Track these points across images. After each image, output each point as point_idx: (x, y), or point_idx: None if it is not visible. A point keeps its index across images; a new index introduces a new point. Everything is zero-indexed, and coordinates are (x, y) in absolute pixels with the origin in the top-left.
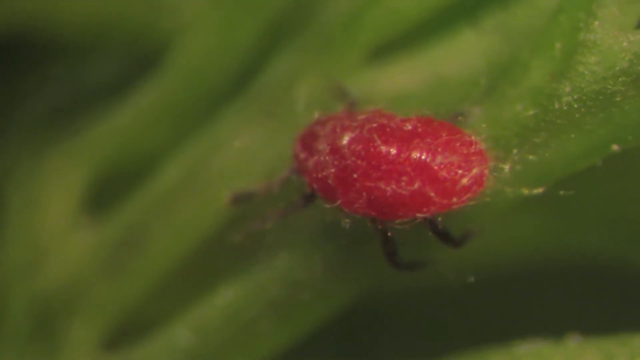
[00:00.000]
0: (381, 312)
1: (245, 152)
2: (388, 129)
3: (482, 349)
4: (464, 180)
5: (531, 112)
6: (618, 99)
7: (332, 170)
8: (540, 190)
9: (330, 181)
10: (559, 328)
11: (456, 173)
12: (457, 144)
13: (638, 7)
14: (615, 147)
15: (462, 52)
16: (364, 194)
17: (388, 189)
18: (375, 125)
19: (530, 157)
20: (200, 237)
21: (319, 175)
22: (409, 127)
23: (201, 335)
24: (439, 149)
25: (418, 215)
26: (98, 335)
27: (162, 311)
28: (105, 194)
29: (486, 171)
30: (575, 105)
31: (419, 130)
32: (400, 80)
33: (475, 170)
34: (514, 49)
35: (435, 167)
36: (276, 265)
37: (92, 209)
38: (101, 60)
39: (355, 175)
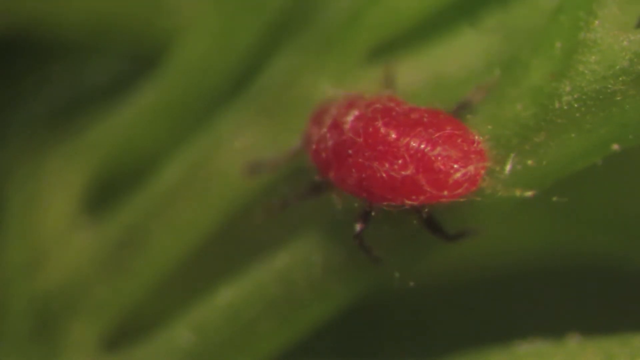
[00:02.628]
0: (381, 312)
1: (245, 152)
2: (393, 113)
3: (483, 349)
4: (457, 175)
5: (531, 112)
6: (618, 98)
7: (330, 142)
8: (531, 193)
9: (324, 154)
10: (559, 327)
11: (451, 167)
12: (459, 140)
13: (638, 6)
14: (615, 147)
15: (462, 52)
16: (354, 170)
17: (381, 169)
18: (380, 106)
19: (531, 156)
20: (200, 237)
21: (318, 147)
22: (415, 116)
23: (201, 335)
24: (440, 141)
25: (406, 202)
26: (98, 336)
27: (162, 311)
28: (105, 194)
29: (482, 171)
30: (576, 105)
31: (424, 119)
32: (401, 79)
33: (470, 168)
34: (514, 49)
35: (432, 157)
36: (276, 265)
37: (92, 209)
38: (101, 60)
39: (350, 151)
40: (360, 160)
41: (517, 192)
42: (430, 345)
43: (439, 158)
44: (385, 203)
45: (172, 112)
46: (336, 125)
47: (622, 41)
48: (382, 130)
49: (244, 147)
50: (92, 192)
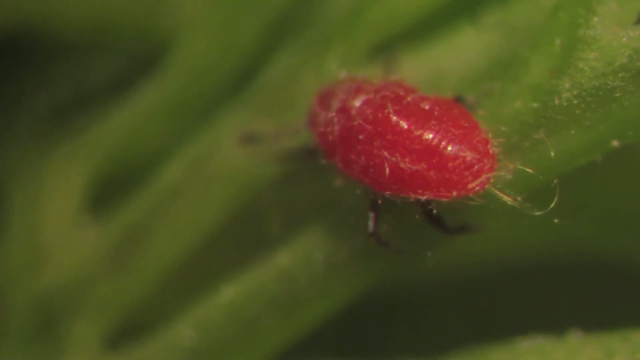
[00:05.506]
0: (382, 309)
1: (246, 150)
2: (404, 101)
3: (484, 346)
4: (471, 182)
5: (531, 109)
6: (618, 94)
7: (338, 127)
8: (541, 211)
9: (331, 137)
10: (560, 324)
11: (466, 169)
12: (474, 140)
13: (637, 3)
14: (615, 143)
15: (462, 49)
16: (363, 157)
17: (391, 160)
18: (391, 94)
19: (531, 153)
20: (201, 235)
21: (325, 130)
22: (427, 106)
23: (203, 333)
24: (457, 139)
25: (411, 195)
26: (101, 334)
27: (164, 309)
28: (107, 192)
29: (491, 176)
30: (575, 101)
31: (436, 112)
32: (401, 77)
33: (483, 177)
34: (513, 46)
35: (448, 156)
36: (277, 263)
37: (94, 208)
38: (103, 59)
39: (360, 137)
40: (369, 148)
41: (509, 199)
42: (431, 342)
43: (455, 158)
44: (388, 193)
45: (174, 110)
46: (344, 110)
47: (621, 38)
48: (394, 119)
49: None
50: (94, 190)
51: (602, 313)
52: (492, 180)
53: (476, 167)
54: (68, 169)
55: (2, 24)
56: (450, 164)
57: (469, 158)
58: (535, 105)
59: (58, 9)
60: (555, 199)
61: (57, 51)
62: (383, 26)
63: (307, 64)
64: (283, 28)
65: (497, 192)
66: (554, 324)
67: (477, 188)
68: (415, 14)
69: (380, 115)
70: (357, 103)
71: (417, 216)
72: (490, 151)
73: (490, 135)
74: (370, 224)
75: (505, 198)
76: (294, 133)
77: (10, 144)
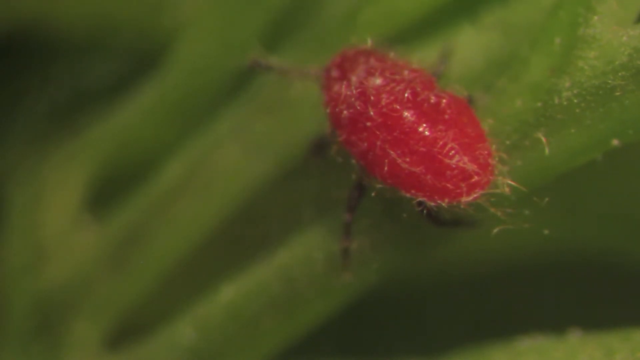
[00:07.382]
0: (382, 308)
1: (245, 150)
2: (419, 98)
3: (484, 345)
4: (464, 194)
5: (531, 108)
6: (618, 93)
7: (351, 108)
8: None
9: (343, 115)
10: (560, 323)
11: (463, 180)
12: (478, 152)
13: (637, 2)
14: (615, 142)
15: (462, 49)
16: (366, 143)
17: (392, 154)
18: (412, 92)
19: (531, 152)
20: (201, 234)
21: (339, 107)
22: (440, 107)
23: (203, 333)
24: (460, 149)
25: (404, 192)
26: (101, 334)
27: (165, 309)
28: (107, 192)
29: (484, 192)
30: (575, 100)
31: (446, 116)
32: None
33: (477, 192)
34: (513, 45)
35: (448, 165)
36: (277, 262)
37: (94, 208)
38: (102, 60)
39: (368, 124)
40: (374, 137)
41: (499, 213)
42: (431, 341)
43: (455, 168)
44: (381, 184)
45: (173, 110)
46: (362, 94)
47: (621, 36)
48: (405, 117)
49: (244, 145)
50: (94, 190)
51: (602, 312)
52: (484, 195)
53: (473, 179)
54: (68, 169)
55: (2, 24)
56: (448, 173)
57: (468, 169)
58: (536, 104)
59: (58, 8)
60: (556, 198)
61: (57, 51)
62: (381, 26)
63: (306, 63)
64: (282, 28)
65: (488, 206)
66: (554, 323)
67: (469, 199)
68: (414, 13)
69: (393, 109)
70: (375, 90)
71: (404, 214)
72: (490, 166)
73: (493, 146)
74: (352, 203)
75: (496, 211)
76: (301, 77)
77: (10, 144)
